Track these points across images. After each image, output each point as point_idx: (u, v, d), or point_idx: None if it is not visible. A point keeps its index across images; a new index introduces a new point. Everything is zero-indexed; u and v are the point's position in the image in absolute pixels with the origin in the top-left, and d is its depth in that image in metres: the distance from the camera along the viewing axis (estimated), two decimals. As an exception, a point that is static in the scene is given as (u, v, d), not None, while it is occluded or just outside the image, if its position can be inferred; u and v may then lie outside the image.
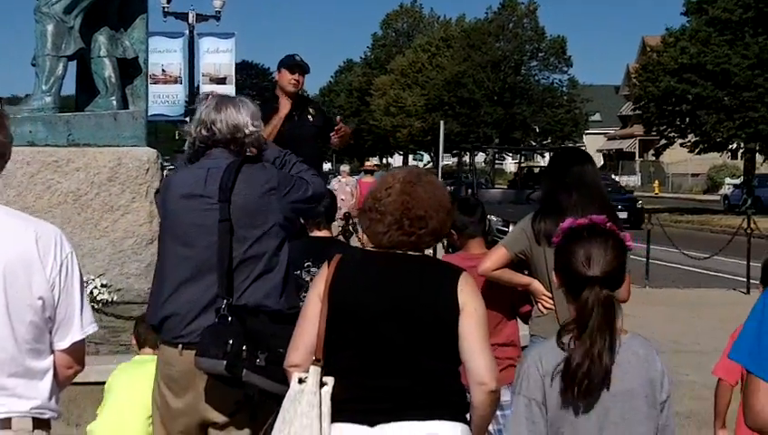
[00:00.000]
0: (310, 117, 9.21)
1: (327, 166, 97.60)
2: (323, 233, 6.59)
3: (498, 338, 5.96)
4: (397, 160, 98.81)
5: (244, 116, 5.03)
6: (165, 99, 28.39)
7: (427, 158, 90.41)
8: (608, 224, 3.67)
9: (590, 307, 3.44)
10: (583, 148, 73.00)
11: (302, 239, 6.55)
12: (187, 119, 26.95)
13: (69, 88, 12.33)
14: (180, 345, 4.80)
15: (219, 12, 28.83)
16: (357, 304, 3.85)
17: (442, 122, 30.61)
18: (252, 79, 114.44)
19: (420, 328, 3.76)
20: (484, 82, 72.39)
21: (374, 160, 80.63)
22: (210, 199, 4.86)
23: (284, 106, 8.98)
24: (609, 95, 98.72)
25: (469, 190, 25.38)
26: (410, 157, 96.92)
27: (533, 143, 72.86)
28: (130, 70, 12.03)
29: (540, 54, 75.87)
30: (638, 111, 60.60)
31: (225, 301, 4.69)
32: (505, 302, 6.18)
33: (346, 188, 26.30)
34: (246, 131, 5.03)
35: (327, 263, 4.01)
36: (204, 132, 5.04)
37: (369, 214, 3.95)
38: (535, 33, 74.98)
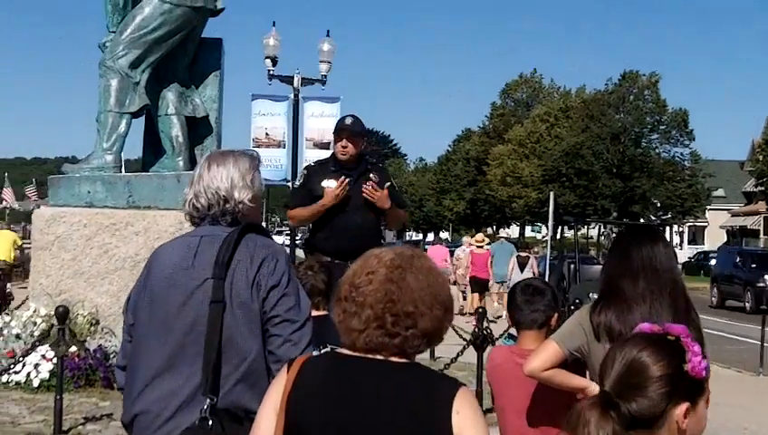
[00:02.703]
0: (369, 184, 8.25)
1: (444, 235, 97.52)
2: (321, 312, 5.61)
3: (555, 456, 5.03)
4: (514, 231, 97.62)
5: (234, 177, 4.17)
6: (268, 163, 27.78)
7: (545, 230, 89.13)
8: (684, 339, 2.75)
9: None
10: (706, 224, 71.67)
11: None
12: (290, 184, 26.84)
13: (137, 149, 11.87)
14: None
15: (325, 76, 28.29)
16: (319, 425, 2.94)
17: (552, 193, 29.62)
18: (372, 146, 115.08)
19: None
20: (602, 154, 71.08)
21: (488, 231, 79.87)
22: (200, 274, 4.01)
23: (328, 195, 7.96)
24: (734, 170, 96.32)
25: (572, 266, 24.17)
26: (528, 228, 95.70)
27: (653, 218, 71.20)
28: (201, 129, 11.47)
29: (661, 127, 74.05)
30: (762, 188, 58.65)
31: (208, 400, 3.83)
32: (563, 410, 5.20)
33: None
34: (236, 197, 4.17)
35: (287, 367, 3.11)
36: (188, 208, 4.22)
37: (344, 304, 3.03)
38: (656, 106, 73.30)
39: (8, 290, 21.56)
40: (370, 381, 2.94)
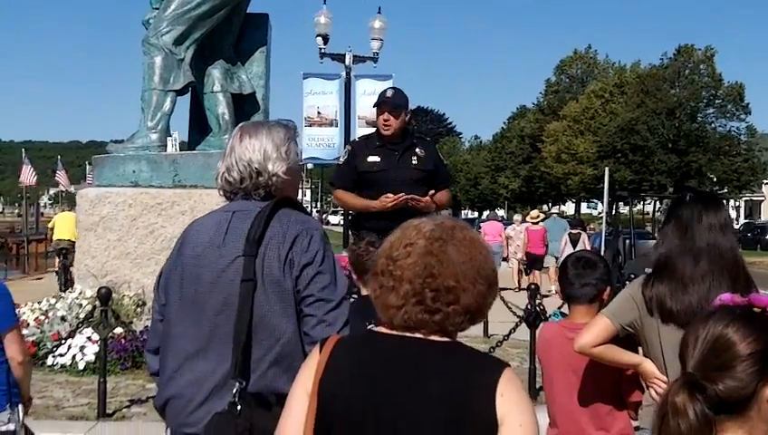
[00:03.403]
0: (415, 159, 7.94)
1: (501, 213, 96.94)
2: None
3: (608, 435, 4.78)
4: (569, 208, 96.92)
5: (267, 148, 3.94)
6: (320, 142, 27.69)
7: (600, 206, 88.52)
8: None
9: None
10: (762, 198, 70.88)
11: (352, 299, 5.48)
12: (340, 160, 26.43)
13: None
14: None
15: (377, 53, 27.94)
16: (353, 409, 2.71)
17: (607, 169, 29.22)
18: (427, 125, 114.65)
19: None
20: (658, 129, 70.41)
21: (544, 208, 79.40)
22: (231, 251, 3.79)
23: (381, 202, 7.61)
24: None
25: (627, 241, 23.75)
26: (583, 204, 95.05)
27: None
28: (247, 106, 11.28)
29: (717, 101, 73.24)
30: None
31: (237, 384, 3.61)
32: (614, 387, 4.93)
33: (520, 235, 26.97)
34: (270, 170, 3.93)
35: (319, 347, 2.88)
36: (220, 181, 3.99)
37: (380, 278, 2.78)
38: (712, 80, 72.48)
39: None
40: (409, 362, 2.70)
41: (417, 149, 7.96)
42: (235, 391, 3.57)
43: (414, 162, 7.89)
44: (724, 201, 69.49)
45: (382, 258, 2.83)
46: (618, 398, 4.92)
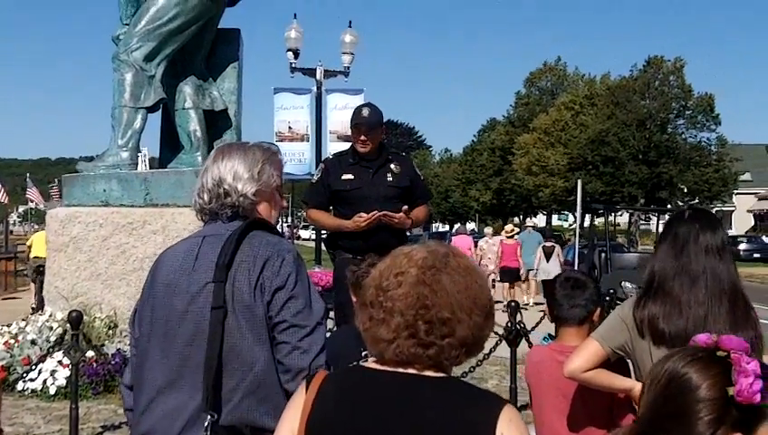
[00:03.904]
0: (389, 175, 7.78)
1: (471, 226, 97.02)
2: None
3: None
4: (541, 220, 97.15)
5: (238, 169, 3.78)
6: (291, 157, 27.46)
7: (572, 218, 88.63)
8: (735, 355, 2.35)
9: None
10: (733, 209, 71.41)
11: (352, 323, 5.29)
12: (314, 178, 26.42)
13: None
14: None
15: (348, 67, 27.77)
16: None
17: (579, 181, 29.11)
18: (397, 138, 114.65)
19: None
20: (628, 141, 70.55)
21: (515, 220, 79.51)
22: (202, 278, 3.61)
23: (354, 223, 7.47)
24: (761, 154, 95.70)
25: (602, 254, 23.67)
26: (554, 217, 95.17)
27: (681, 203, 70.57)
28: (219, 123, 11.10)
29: (687, 112, 73.50)
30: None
31: (209, 417, 3.43)
32: (606, 411, 4.77)
33: (493, 248, 27.20)
34: (239, 190, 3.77)
35: (305, 385, 2.71)
36: (193, 203, 3.83)
37: (370, 310, 2.62)
38: (682, 91, 72.75)
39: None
40: (401, 399, 2.53)
41: (392, 165, 7.80)
42: (206, 424, 3.40)
43: (389, 179, 7.72)
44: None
45: (371, 288, 2.66)
46: (610, 422, 4.75)
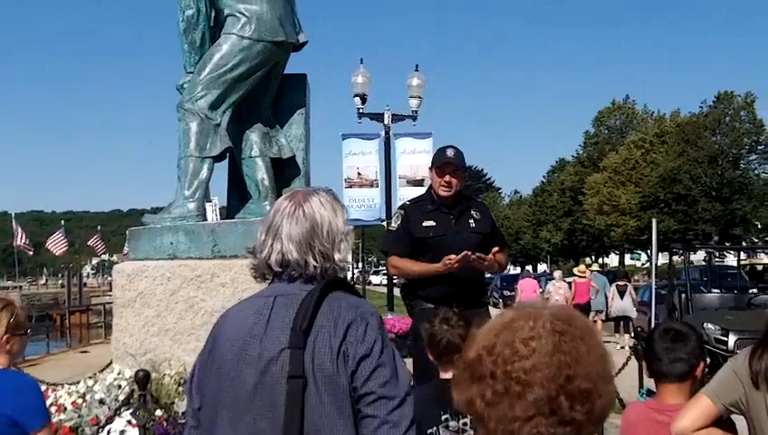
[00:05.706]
0: (472, 221, 7.46)
1: (543, 267, 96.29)
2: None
3: None
4: (613, 260, 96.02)
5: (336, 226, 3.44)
6: (361, 203, 27.27)
7: (644, 257, 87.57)
8: None
9: None
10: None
11: (431, 383, 4.91)
12: (384, 223, 26.23)
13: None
14: None
15: (416, 111, 27.55)
16: None
17: (654, 220, 28.62)
18: (466, 181, 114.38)
19: None
20: (700, 178, 69.58)
21: (587, 261, 78.65)
22: (275, 344, 3.25)
23: (445, 265, 7.05)
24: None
25: (683, 295, 23.02)
26: (627, 256, 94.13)
27: (755, 240, 69.40)
28: (287, 171, 10.83)
29: (759, 147, 72.53)
30: None
31: None
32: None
33: (559, 291, 27.95)
34: (338, 257, 3.43)
35: None
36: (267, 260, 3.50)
37: (493, 383, 2.24)
38: (753, 126, 71.79)
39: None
40: None
41: (473, 211, 7.48)
42: None
43: (472, 225, 7.41)
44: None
45: (485, 360, 2.25)
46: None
